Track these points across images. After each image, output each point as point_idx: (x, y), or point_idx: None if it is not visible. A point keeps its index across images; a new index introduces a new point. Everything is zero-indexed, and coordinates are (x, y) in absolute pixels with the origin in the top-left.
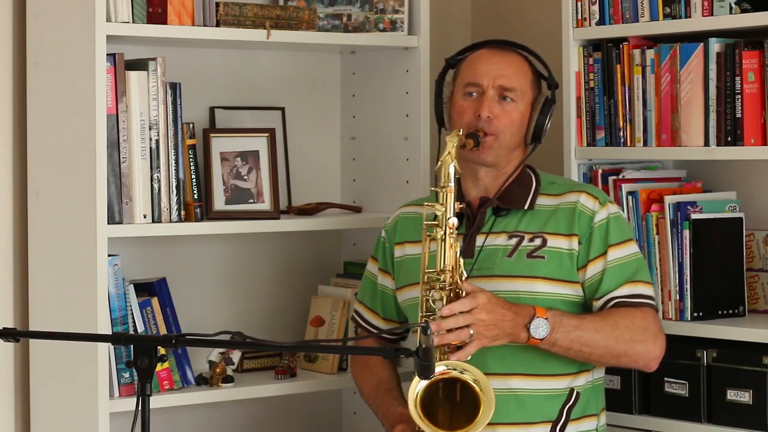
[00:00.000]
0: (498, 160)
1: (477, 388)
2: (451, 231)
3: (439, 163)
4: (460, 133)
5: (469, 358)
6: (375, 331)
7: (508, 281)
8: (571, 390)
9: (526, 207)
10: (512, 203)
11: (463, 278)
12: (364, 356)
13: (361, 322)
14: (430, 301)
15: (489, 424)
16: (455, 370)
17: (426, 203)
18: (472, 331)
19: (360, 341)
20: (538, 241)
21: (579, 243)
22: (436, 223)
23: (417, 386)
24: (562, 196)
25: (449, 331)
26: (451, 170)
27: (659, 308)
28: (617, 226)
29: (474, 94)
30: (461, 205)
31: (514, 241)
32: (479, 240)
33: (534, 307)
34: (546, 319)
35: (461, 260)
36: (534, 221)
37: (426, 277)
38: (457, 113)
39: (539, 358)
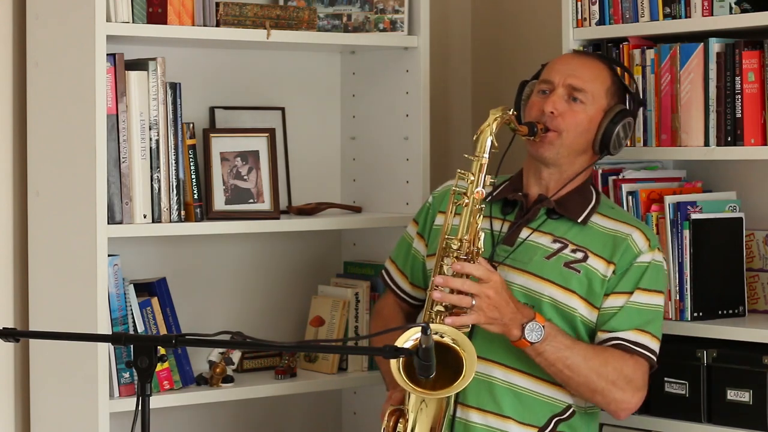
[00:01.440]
0: (558, 160)
1: (457, 348)
2: (477, 202)
3: (478, 132)
4: (511, 112)
5: (468, 328)
6: (400, 292)
7: (538, 281)
8: (569, 405)
9: (579, 220)
10: (567, 211)
11: (480, 251)
12: (383, 314)
13: (389, 281)
14: (445, 267)
15: (479, 409)
16: (435, 334)
17: (459, 171)
18: (474, 302)
19: (381, 306)
20: (579, 255)
21: (614, 273)
22: (465, 191)
23: (402, 343)
24: (618, 224)
25: (454, 292)
26: (488, 143)
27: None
28: (654, 274)
29: (546, 91)
30: (492, 179)
31: (557, 246)
32: (524, 233)
33: (535, 312)
34: (543, 326)
35: (481, 234)
36: (582, 235)
37: (445, 242)
38: (528, 108)
39: None
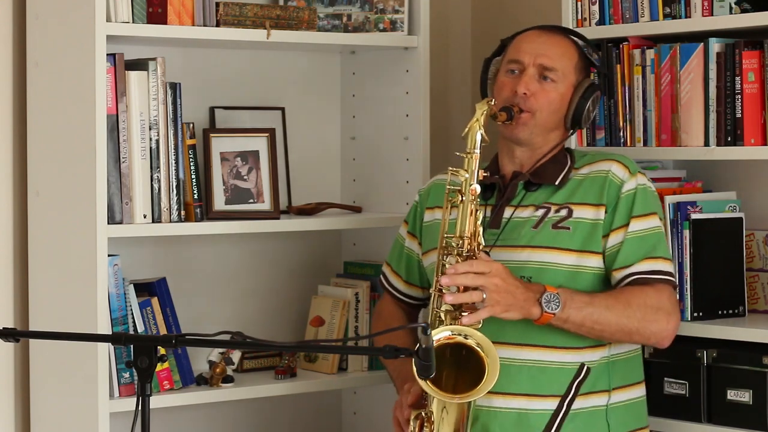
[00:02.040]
0: (532, 139)
1: (481, 352)
2: (473, 198)
3: (467, 128)
4: (492, 102)
5: (480, 324)
6: (396, 293)
7: (533, 251)
8: (582, 365)
9: (557, 183)
10: (544, 179)
11: (481, 246)
12: (383, 315)
13: (385, 283)
14: (447, 265)
15: (499, 393)
16: (459, 335)
17: (450, 168)
18: (485, 295)
19: (379, 312)
20: (564, 212)
21: (606, 212)
22: (459, 188)
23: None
24: (594, 165)
25: (462, 291)
26: (478, 137)
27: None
28: (643, 197)
29: (515, 71)
30: (485, 173)
31: (540, 212)
32: (507, 212)
33: (544, 285)
34: (557, 294)
35: (481, 228)
36: (562, 194)
37: (444, 241)
38: (498, 89)
39: (551, 331)
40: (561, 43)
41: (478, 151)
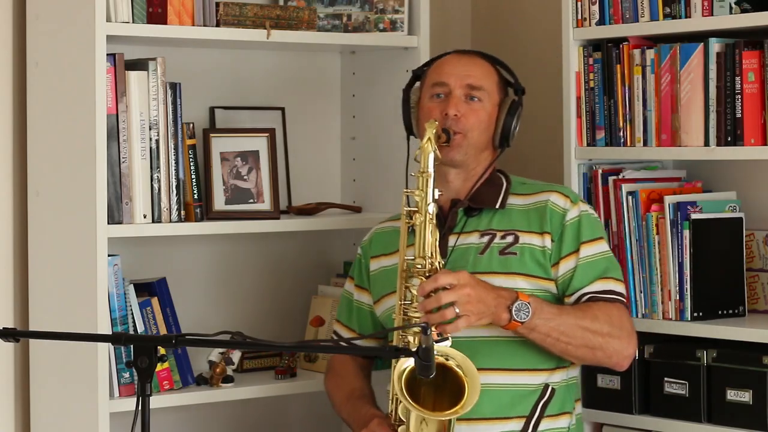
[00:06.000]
0: (466, 160)
1: (461, 373)
2: (431, 217)
3: (418, 149)
4: (437, 123)
5: (457, 333)
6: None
7: (483, 277)
8: (546, 386)
9: (497, 206)
10: (483, 203)
11: (442, 264)
12: (336, 367)
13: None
14: (410, 288)
15: (462, 419)
16: (440, 356)
17: (405, 190)
18: (458, 309)
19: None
20: (510, 238)
21: (552, 241)
22: (416, 209)
23: (402, 366)
24: (534, 196)
25: (433, 310)
26: (431, 157)
27: (631, 306)
28: (589, 223)
29: (441, 95)
30: (441, 193)
31: (486, 238)
32: (451, 240)
33: (516, 291)
34: (528, 303)
35: (438, 248)
36: (505, 219)
37: (405, 264)
38: (425, 115)
39: (514, 354)
40: (481, 63)
41: (431, 170)
